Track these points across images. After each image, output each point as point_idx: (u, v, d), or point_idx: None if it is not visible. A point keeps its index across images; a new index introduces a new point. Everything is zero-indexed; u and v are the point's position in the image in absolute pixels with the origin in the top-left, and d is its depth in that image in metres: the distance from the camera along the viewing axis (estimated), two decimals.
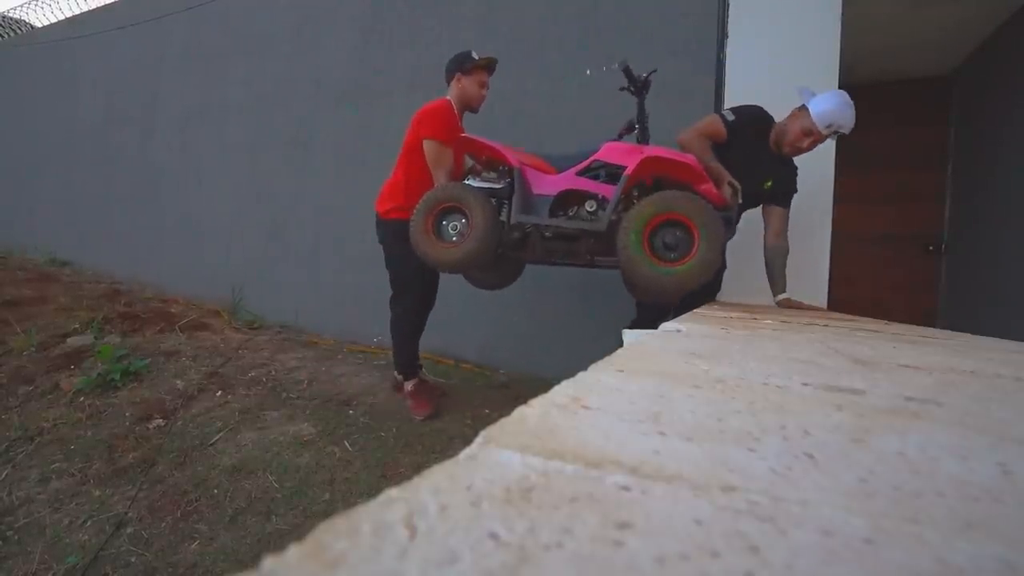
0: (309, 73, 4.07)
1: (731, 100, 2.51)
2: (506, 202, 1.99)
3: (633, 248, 1.64)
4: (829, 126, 1.88)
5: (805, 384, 0.64)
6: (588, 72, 2.89)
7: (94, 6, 5.93)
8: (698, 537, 0.26)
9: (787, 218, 2.11)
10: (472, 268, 2.05)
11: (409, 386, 2.48)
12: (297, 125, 4.13)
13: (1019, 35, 2.86)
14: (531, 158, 1.96)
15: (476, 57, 2.22)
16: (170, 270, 4.84)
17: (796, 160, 2.08)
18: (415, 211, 1.98)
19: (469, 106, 2.29)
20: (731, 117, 2.03)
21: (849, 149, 2.47)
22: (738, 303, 2.34)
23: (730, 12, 2.52)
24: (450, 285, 3.32)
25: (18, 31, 7.33)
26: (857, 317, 1.83)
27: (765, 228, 2.13)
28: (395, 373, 2.58)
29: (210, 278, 4.48)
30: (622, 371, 0.65)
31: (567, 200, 1.87)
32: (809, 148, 1.98)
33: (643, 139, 1.89)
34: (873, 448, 0.42)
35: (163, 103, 5.09)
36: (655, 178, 1.84)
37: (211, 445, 2.20)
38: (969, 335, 1.49)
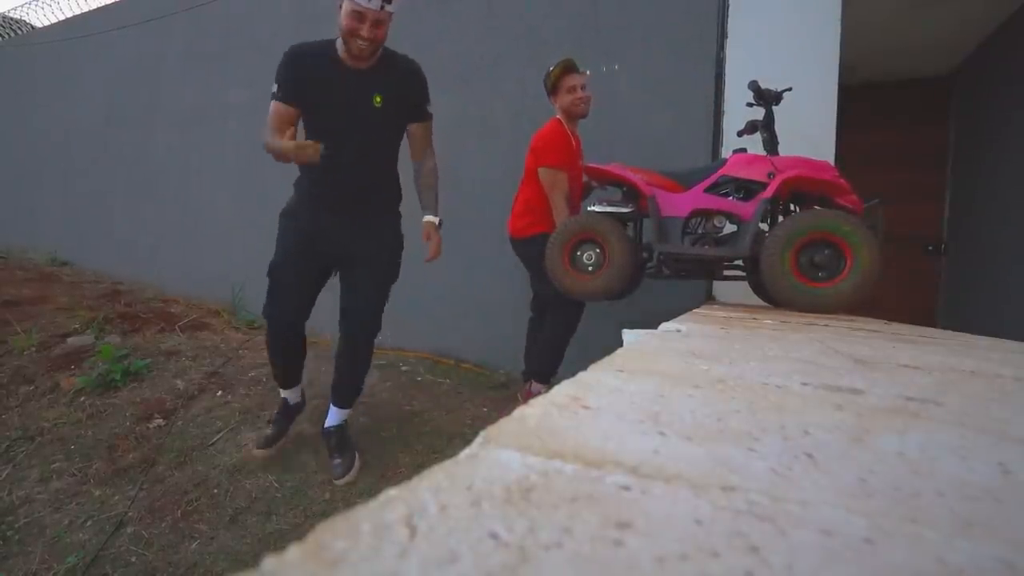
0: None
1: (731, 100, 2.51)
2: (632, 223, 2.05)
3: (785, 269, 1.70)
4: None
5: (805, 384, 0.64)
6: (588, 72, 2.88)
7: (94, 6, 5.93)
8: (698, 537, 0.26)
9: (429, 133, 2.01)
10: (610, 297, 2.10)
11: (545, 389, 2.37)
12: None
13: (1019, 35, 2.86)
14: (658, 178, 2.01)
15: (550, 70, 2.27)
16: (170, 270, 4.83)
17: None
18: (550, 243, 2.04)
19: (574, 115, 2.30)
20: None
21: (849, 149, 2.47)
22: (738, 303, 2.33)
23: (730, 12, 2.52)
24: (449, 285, 3.33)
25: (18, 31, 7.33)
26: (857, 317, 1.82)
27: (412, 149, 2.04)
28: (525, 384, 2.45)
29: (210, 278, 4.47)
30: (622, 371, 0.65)
31: (694, 216, 1.94)
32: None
33: (772, 148, 1.93)
34: (873, 448, 0.42)
35: (163, 103, 5.08)
36: (793, 191, 1.87)
37: (211, 445, 2.19)
38: (969, 335, 1.48)
